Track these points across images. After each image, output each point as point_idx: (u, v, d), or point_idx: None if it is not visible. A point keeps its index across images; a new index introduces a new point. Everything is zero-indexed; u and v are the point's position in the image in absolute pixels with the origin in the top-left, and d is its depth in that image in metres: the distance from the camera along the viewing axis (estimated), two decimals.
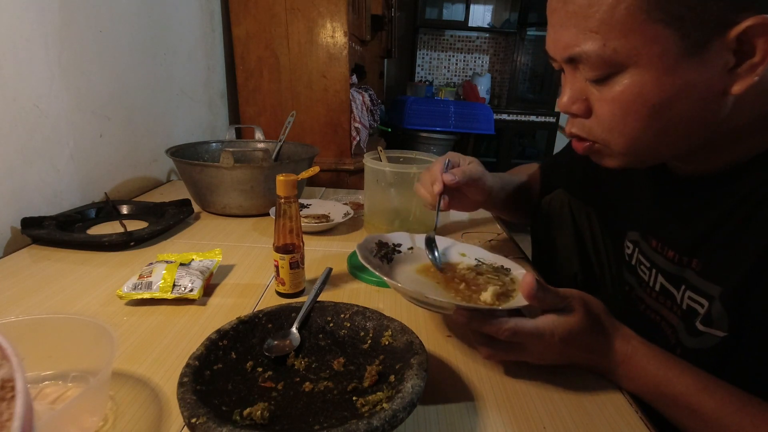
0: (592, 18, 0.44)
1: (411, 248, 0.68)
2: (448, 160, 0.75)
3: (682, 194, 0.57)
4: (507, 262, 0.64)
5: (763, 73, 0.42)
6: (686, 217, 0.55)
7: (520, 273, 0.62)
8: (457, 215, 1.08)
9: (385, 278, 0.53)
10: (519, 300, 0.53)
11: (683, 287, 0.55)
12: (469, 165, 0.75)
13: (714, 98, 0.45)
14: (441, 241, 0.70)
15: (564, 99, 0.52)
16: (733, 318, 0.47)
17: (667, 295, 0.58)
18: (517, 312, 0.51)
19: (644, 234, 0.63)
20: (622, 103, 0.47)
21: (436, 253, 0.66)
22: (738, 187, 0.49)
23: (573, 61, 0.48)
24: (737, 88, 0.43)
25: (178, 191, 1.19)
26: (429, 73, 4.12)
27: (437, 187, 0.70)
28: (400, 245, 0.68)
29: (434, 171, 0.73)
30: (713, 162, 0.51)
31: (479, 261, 0.66)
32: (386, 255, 0.65)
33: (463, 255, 0.67)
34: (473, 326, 0.49)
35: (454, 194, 0.74)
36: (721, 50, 0.42)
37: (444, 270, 0.64)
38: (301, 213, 0.71)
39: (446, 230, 0.98)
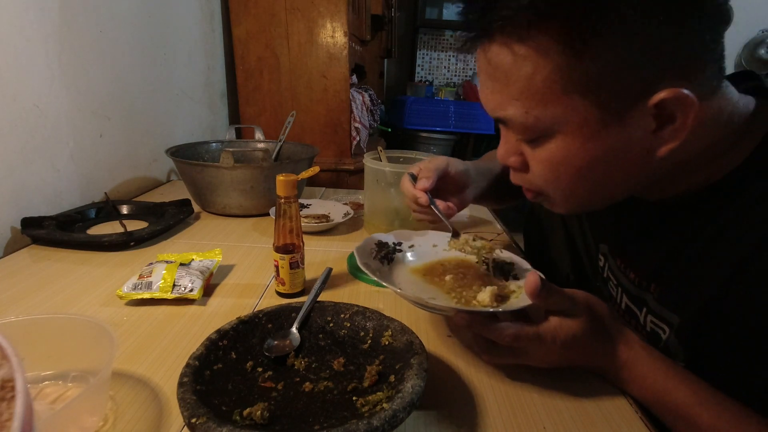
0: (512, 86, 0.44)
1: (411, 246, 0.68)
2: (410, 173, 0.71)
3: (644, 217, 0.57)
4: (514, 258, 0.64)
5: (703, 110, 0.42)
6: (647, 241, 0.56)
7: (520, 267, 0.62)
8: (456, 216, 1.08)
9: (384, 283, 0.53)
10: (521, 300, 0.53)
11: (644, 310, 0.55)
12: (429, 162, 0.72)
13: (641, 157, 0.45)
14: (441, 237, 0.69)
15: (501, 152, 0.53)
16: (687, 350, 0.47)
17: (631, 315, 0.58)
18: (518, 313, 0.51)
19: (611, 250, 0.63)
20: (551, 165, 0.48)
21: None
22: (699, 214, 0.49)
23: (502, 121, 0.49)
24: (663, 151, 0.44)
25: (178, 191, 1.19)
26: (429, 73, 4.11)
27: (423, 200, 0.66)
28: (400, 243, 0.68)
29: (407, 190, 0.69)
30: (672, 191, 0.51)
31: (486, 259, 0.65)
32: (387, 255, 0.65)
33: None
34: (474, 330, 0.49)
35: (440, 195, 0.71)
36: (642, 116, 0.42)
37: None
38: (301, 213, 0.71)
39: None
